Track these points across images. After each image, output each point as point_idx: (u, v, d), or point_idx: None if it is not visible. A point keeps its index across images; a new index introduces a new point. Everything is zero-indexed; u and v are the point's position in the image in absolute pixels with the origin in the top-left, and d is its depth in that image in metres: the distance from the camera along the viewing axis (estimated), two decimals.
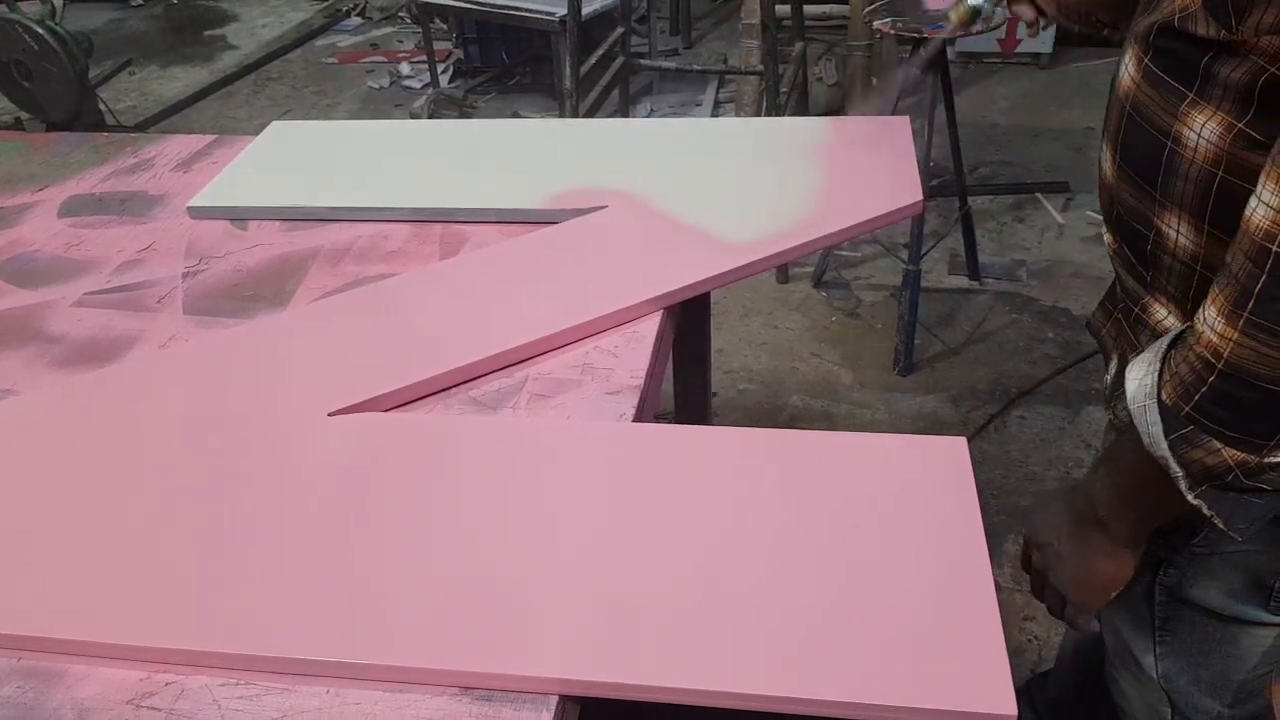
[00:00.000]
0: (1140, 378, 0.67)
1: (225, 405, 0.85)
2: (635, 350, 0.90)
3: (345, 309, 0.96)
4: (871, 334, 2.38)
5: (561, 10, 2.86)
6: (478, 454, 0.79)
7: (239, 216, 1.15)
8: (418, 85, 3.84)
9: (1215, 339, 0.61)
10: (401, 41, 4.33)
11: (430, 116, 3.18)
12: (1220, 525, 0.67)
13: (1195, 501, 0.66)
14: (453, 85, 3.73)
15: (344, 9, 4.71)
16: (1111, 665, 0.98)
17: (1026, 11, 1.03)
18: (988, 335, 2.33)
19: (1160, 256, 0.73)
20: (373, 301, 0.97)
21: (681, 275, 0.96)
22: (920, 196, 1.09)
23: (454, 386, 0.87)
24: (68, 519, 0.75)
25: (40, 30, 2.94)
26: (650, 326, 0.93)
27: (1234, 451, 0.63)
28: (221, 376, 0.89)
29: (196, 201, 1.16)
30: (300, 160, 1.24)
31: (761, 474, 0.76)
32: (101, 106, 3.18)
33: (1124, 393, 0.81)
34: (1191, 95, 0.66)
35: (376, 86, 3.90)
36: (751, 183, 1.12)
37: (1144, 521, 0.74)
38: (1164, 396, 0.65)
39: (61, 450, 0.82)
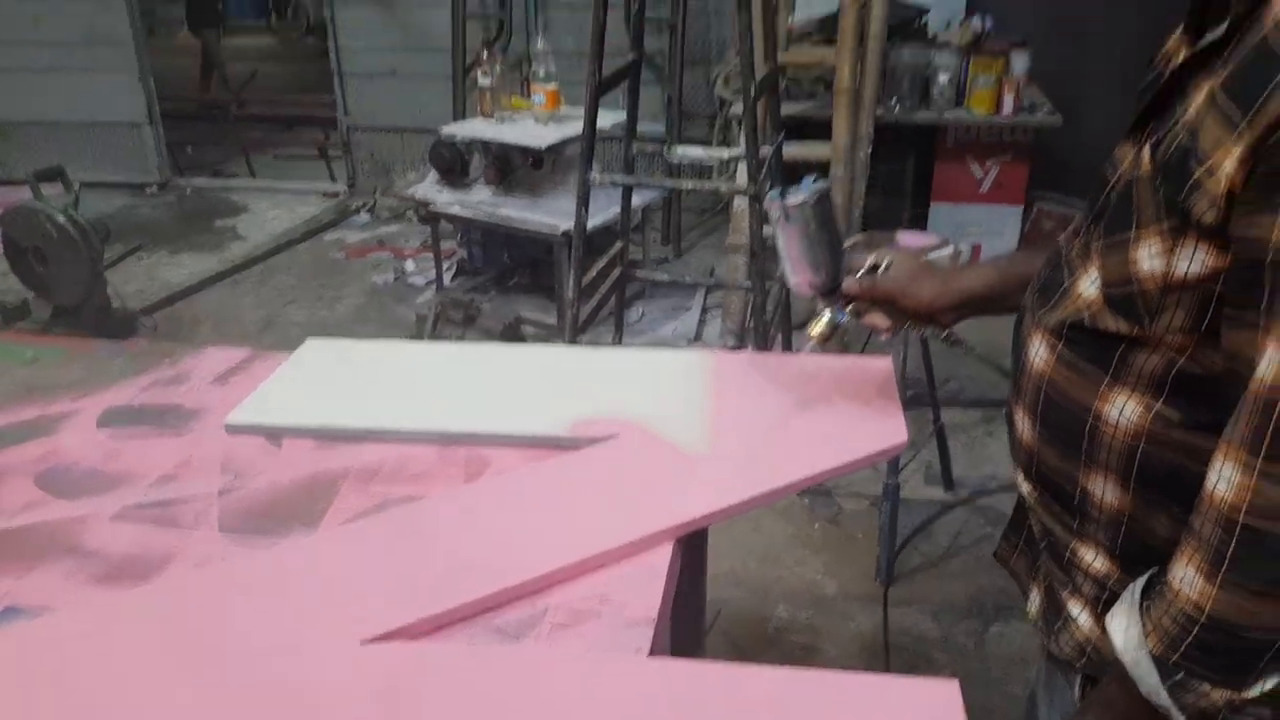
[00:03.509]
0: (1125, 629, 0.75)
1: (260, 630, 0.90)
2: (649, 582, 0.96)
3: (375, 533, 1.02)
4: (853, 543, 2.44)
5: (564, 225, 3.07)
6: (501, 689, 0.83)
7: (274, 434, 1.22)
8: (421, 282, 4.02)
9: (1195, 596, 0.69)
10: (407, 240, 4.56)
11: (437, 317, 3.34)
12: None
13: None
14: (454, 283, 3.92)
15: (354, 206, 4.98)
16: None
17: (880, 320, 1.11)
18: (963, 549, 2.40)
19: (1087, 509, 0.83)
20: (401, 526, 1.03)
21: (690, 509, 1.04)
22: (904, 438, 1.19)
23: (479, 614, 0.92)
24: None
25: (62, 219, 3.10)
26: (663, 557, 0.99)
27: (1222, 692, 0.71)
28: (256, 600, 0.94)
29: (233, 419, 1.24)
30: (333, 379, 1.34)
31: (758, 715, 0.80)
32: (109, 290, 3.31)
33: (1066, 628, 0.88)
34: (1109, 378, 0.78)
35: (380, 282, 4.07)
36: (751, 416, 1.22)
37: None
38: (1151, 648, 0.72)
39: (95, 672, 0.85)
